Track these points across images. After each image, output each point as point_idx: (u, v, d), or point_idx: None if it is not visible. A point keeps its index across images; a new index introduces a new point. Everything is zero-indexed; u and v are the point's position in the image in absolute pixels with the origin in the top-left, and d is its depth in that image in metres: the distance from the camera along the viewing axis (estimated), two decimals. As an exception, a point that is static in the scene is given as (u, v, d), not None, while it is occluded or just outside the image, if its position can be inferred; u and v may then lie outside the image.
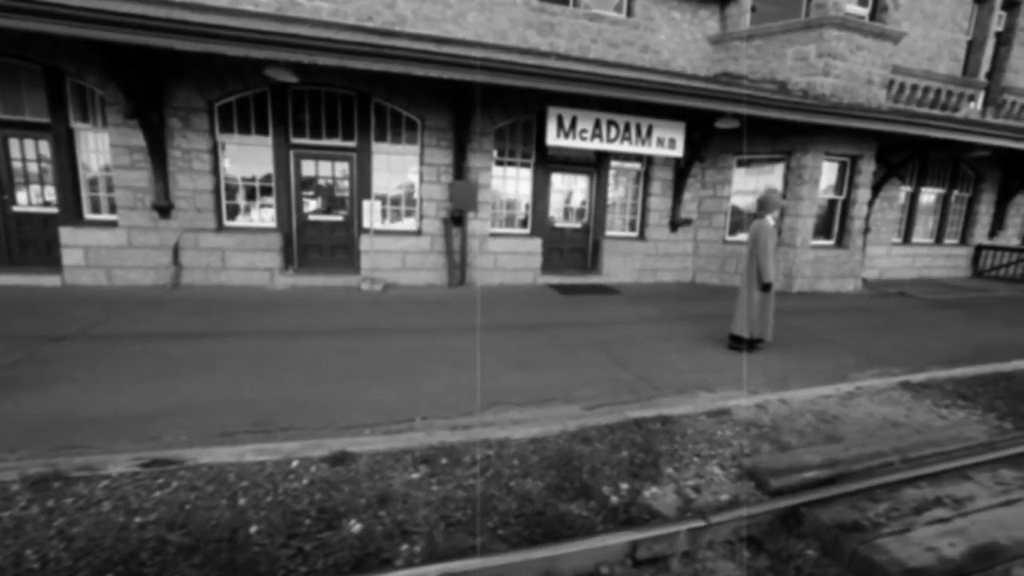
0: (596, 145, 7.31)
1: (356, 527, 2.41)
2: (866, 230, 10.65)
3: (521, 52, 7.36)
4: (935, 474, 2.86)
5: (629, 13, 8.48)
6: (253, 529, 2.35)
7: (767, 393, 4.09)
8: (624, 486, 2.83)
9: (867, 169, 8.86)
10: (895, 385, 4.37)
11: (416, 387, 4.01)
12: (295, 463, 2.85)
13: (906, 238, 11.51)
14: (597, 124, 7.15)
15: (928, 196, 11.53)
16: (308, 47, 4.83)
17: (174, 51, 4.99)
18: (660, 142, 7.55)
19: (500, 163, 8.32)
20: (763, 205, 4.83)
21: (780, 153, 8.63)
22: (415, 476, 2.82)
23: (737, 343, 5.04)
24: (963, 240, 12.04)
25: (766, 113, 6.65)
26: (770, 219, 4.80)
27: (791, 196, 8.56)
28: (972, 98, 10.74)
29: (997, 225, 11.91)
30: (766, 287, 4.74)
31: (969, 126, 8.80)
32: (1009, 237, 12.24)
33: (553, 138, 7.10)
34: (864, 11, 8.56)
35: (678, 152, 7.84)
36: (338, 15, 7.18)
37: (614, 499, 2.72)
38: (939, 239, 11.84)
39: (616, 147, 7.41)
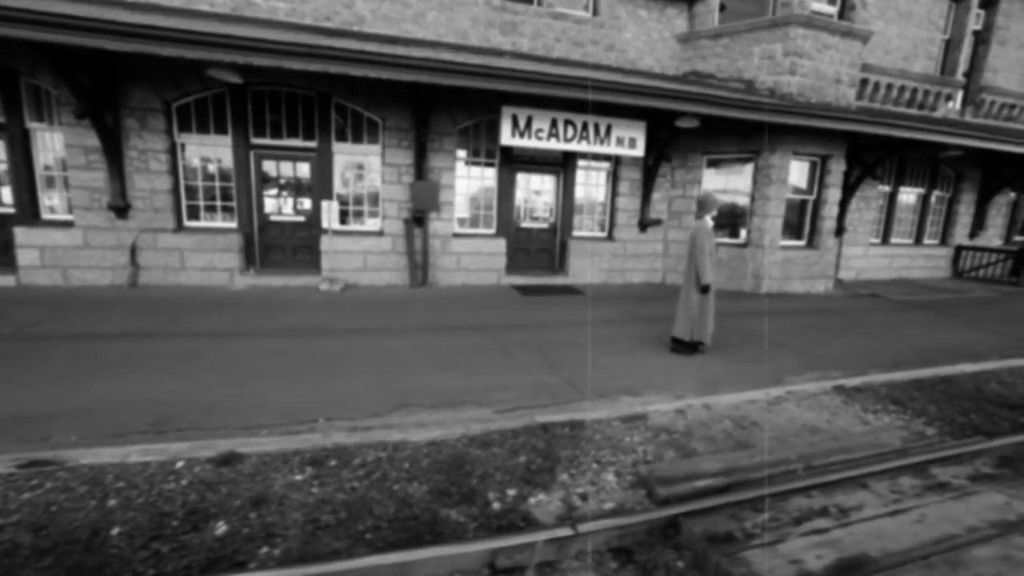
0: (553, 145, 7.25)
1: (222, 529, 2.38)
2: (842, 230, 10.58)
3: (480, 52, 7.32)
4: (832, 482, 2.80)
5: (595, 12, 8.41)
6: (115, 531, 2.32)
7: (693, 398, 4.03)
8: (511, 492, 2.79)
9: (837, 169, 8.76)
10: (829, 389, 4.30)
11: (334, 388, 3.98)
12: (180, 464, 2.83)
13: (885, 238, 11.40)
14: (554, 124, 7.08)
15: (907, 196, 11.42)
16: (243, 48, 4.79)
17: (124, 52, 4.98)
18: (620, 141, 7.48)
19: (466, 163, 8.28)
20: (702, 205, 4.77)
21: (749, 152, 8.55)
22: (299, 478, 2.79)
23: (679, 346, 4.98)
24: (943, 241, 11.92)
25: (724, 112, 6.57)
26: (709, 220, 4.74)
27: (759, 196, 8.49)
28: (950, 97, 10.61)
29: (978, 226, 11.78)
30: (704, 289, 4.68)
31: (939, 126, 8.70)
32: (990, 237, 12.10)
33: (508, 138, 7.04)
34: (833, 9, 8.47)
35: (639, 152, 7.77)
36: (295, 15, 7.16)
37: (496, 505, 2.68)
38: (919, 240, 11.73)
39: (573, 147, 7.35)
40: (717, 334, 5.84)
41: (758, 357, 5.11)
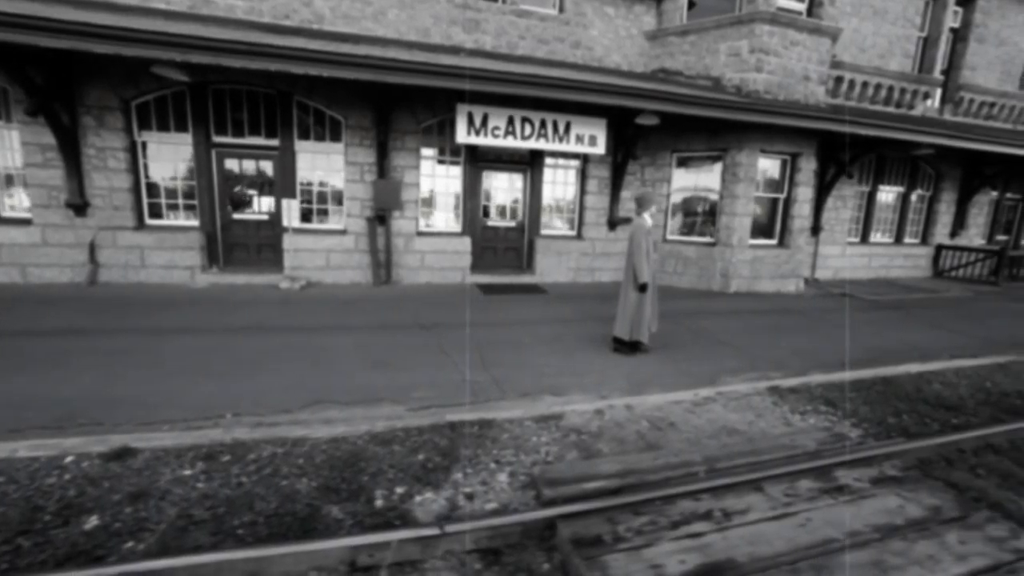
0: (510, 143, 7.19)
1: (92, 524, 2.37)
2: (819, 229, 10.50)
3: (438, 50, 7.28)
4: (726, 486, 2.75)
5: (560, 9, 8.35)
6: (-19, 525, 2.31)
7: (617, 398, 3.98)
8: (399, 490, 2.76)
9: (807, 167, 8.67)
10: (762, 390, 4.24)
11: (254, 385, 3.96)
12: (69, 459, 2.81)
13: (864, 237, 11.29)
14: (511, 121, 7.03)
15: (886, 195, 11.30)
16: (182, 45, 4.77)
17: (58, 50, 4.96)
18: (580, 139, 7.42)
19: (431, 161, 8.24)
20: (639, 202, 4.71)
21: (717, 150, 8.47)
22: (187, 473, 2.78)
23: (620, 345, 4.93)
24: (924, 240, 11.80)
25: (678, 109, 6.50)
26: (647, 217, 4.68)
27: (727, 195, 8.41)
28: (928, 95, 10.49)
29: (958, 225, 11.65)
30: (642, 288, 4.62)
31: (913, 124, 8.59)
32: (972, 236, 11.96)
33: (464, 136, 6.99)
34: (801, 6, 8.37)
35: (600, 149, 7.70)
36: (253, 13, 7.13)
37: (380, 503, 2.65)
38: (899, 239, 11.61)
39: (531, 145, 7.29)
40: (668, 333, 5.83)
41: (701, 357, 5.05)
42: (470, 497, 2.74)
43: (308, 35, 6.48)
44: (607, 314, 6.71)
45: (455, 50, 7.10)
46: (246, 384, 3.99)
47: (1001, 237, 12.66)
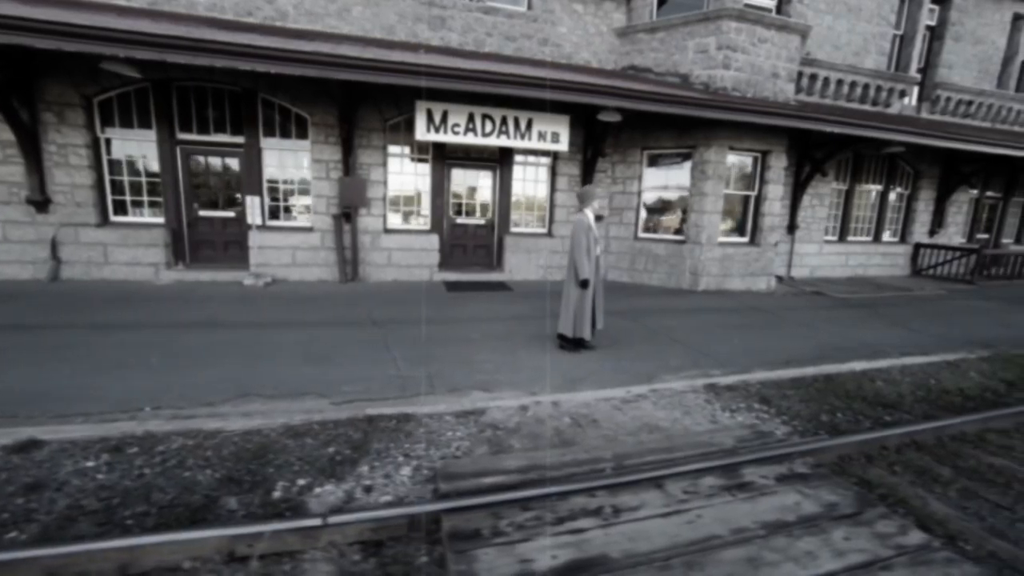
0: (470, 140, 7.17)
1: (-22, 514, 2.37)
2: (795, 227, 10.47)
3: (405, 47, 7.26)
4: (626, 483, 2.73)
5: (528, 6, 8.32)
6: None
7: (547, 395, 3.96)
8: (301, 482, 2.75)
9: (777, 165, 8.63)
10: (699, 388, 4.22)
11: (184, 379, 3.95)
12: (-29, 453, 2.81)
13: (842, 236, 11.25)
14: (471, 118, 7.00)
15: (864, 193, 11.25)
16: (124, 41, 4.76)
17: (12, 45, 4.99)
18: (542, 136, 7.39)
19: (398, 158, 8.22)
20: (581, 199, 4.70)
21: (686, 148, 8.44)
22: (90, 464, 2.78)
23: (564, 342, 4.91)
24: (903, 238, 11.75)
25: (635, 105, 6.45)
26: (589, 213, 4.66)
27: (695, 192, 8.38)
28: (904, 93, 10.44)
29: (937, 223, 11.60)
30: (583, 284, 4.60)
31: (885, 122, 8.54)
32: (951, 235, 11.92)
33: (423, 133, 6.97)
34: (771, 3, 8.33)
35: (562, 146, 7.68)
36: (215, 9, 7.12)
37: (278, 494, 2.65)
38: (877, 237, 11.57)
39: (492, 142, 7.27)
40: (623, 330, 5.84)
41: (648, 355, 5.02)
42: (368, 490, 2.73)
43: (266, 32, 6.46)
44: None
45: (416, 47, 7.07)
46: (177, 378, 3.98)
47: (982, 235, 12.61)
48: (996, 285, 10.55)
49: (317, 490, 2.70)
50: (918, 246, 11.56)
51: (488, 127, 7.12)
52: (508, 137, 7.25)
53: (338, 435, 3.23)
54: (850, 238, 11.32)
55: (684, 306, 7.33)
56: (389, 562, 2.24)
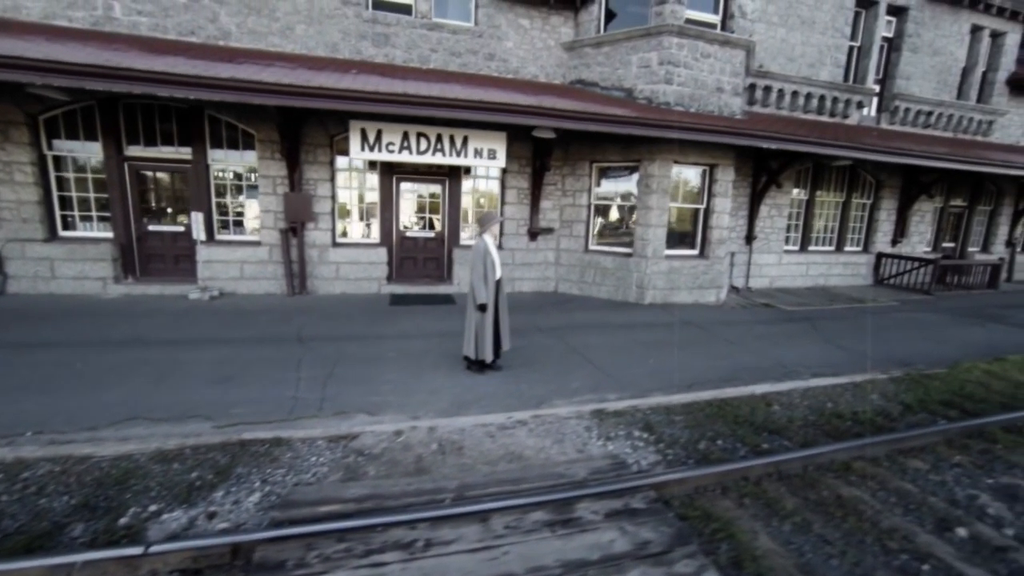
0: (405, 158, 7.26)
1: None
2: (752, 238, 10.50)
3: (347, 65, 7.36)
4: (453, 515, 2.81)
5: (475, 22, 8.41)
6: None
7: (428, 419, 4.05)
8: (152, 508, 2.86)
9: (724, 178, 8.67)
10: (585, 413, 4.28)
11: (80, 400, 4.07)
12: None
13: (803, 245, 11.26)
14: (405, 137, 7.10)
15: (825, 203, 11.25)
16: (41, 69, 4.89)
17: None
18: (478, 153, 7.47)
19: (354, 172, 8.33)
20: (480, 223, 4.78)
21: (632, 161, 8.50)
22: (-55, 493, 2.89)
23: (470, 364, 5.00)
24: (866, 248, 11.74)
25: (559, 124, 6.50)
26: (488, 238, 4.74)
27: (641, 206, 8.43)
28: (861, 104, 10.44)
29: (899, 233, 11.58)
30: (480, 308, 4.69)
31: (828, 134, 8.55)
32: (915, 244, 11.89)
33: (357, 152, 7.07)
34: (716, 18, 8.37)
35: (500, 163, 7.76)
36: (158, 30, 7.26)
37: (124, 520, 2.75)
38: (840, 247, 11.56)
39: (427, 159, 7.36)
40: (541, 349, 5.92)
41: (551, 377, 5.08)
42: (211, 516, 2.83)
43: (198, 54, 6.58)
44: (499, 327, 6.79)
45: (348, 67, 7.16)
46: (74, 400, 4.09)
47: (948, 244, 12.57)
48: (953, 296, 10.54)
49: (164, 516, 2.80)
50: (880, 256, 11.55)
51: (423, 145, 7.22)
52: (444, 155, 7.34)
53: (206, 460, 3.33)
54: (812, 248, 11.32)
55: (620, 321, 7.39)
56: (195, 593, 2.34)
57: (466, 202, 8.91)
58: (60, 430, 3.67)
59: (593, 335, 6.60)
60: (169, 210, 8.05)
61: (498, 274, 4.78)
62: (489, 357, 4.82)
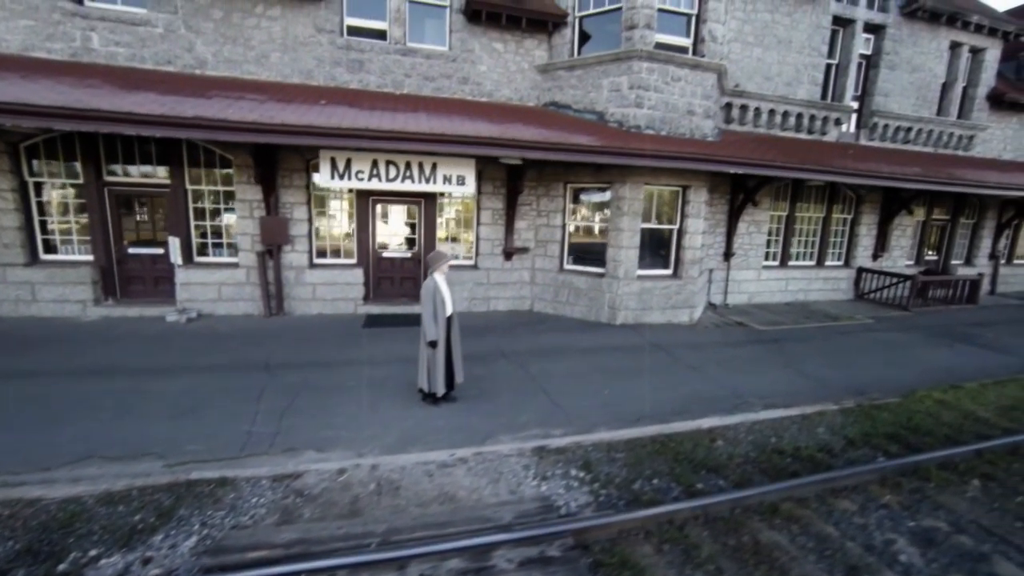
0: (375, 185, 7.41)
1: None
2: (730, 254, 10.57)
3: (305, 96, 7.50)
4: (371, 562, 2.94)
5: (448, 46, 8.53)
6: None
7: (373, 456, 4.18)
8: (92, 553, 3.00)
9: (697, 200, 8.75)
10: (527, 451, 4.38)
11: (39, 437, 4.21)
12: None
13: (783, 261, 11.31)
14: (375, 164, 7.25)
15: (806, 218, 11.30)
16: (11, 112, 5.07)
17: None
18: (447, 180, 7.61)
19: (323, 194, 8.48)
20: (429, 263, 4.91)
21: (603, 183, 8.60)
22: None
23: (425, 395, 5.13)
24: (847, 262, 11.78)
25: (524, 154, 6.62)
26: (438, 277, 4.87)
27: (613, 228, 8.53)
28: (840, 121, 10.49)
29: (880, 247, 11.61)
30: (431, 344, 4.82)
31: (796, 156, 8.62)
32: (896, 258, 11.92)
33: (327, 180, 7.23)
34: (687, 42, 8.44)
35: (469, 189, 7.89)
36: (135, 59, 7.43)
37: (63, 566, 2.88)
38: (820, 261, 11.61)
39: (396, 187, 7.50)
40: (502, 377, 6.07)
41: (504, 408, 5.18)
42: (146, 562, 2.96)
43: (170, 88, 6.74)
44: (470, 351, 6.85)
45: (318, 96, 7.30)
46: (34, 437, 4.24)
47: (931, 256, 12.58)
48: (931, 312, 10.56)
49: (103, 562, 2.94)
50: (861, 270, 11.58)
51: (392, 172, 7.36)
52: (413, 182, 7.48)
53: (151, 501, 3.48)
54: (792, 263, 11.38)
55: (587, 344, 7.49)
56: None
57: (442, 222, 9.04)
58: (15, 471, 3.81)
59: (556, 361, 6.71)
60: (149, 233, 8.24)
61: (449, 310, 4.91)
62: (441, 390, 4.95)
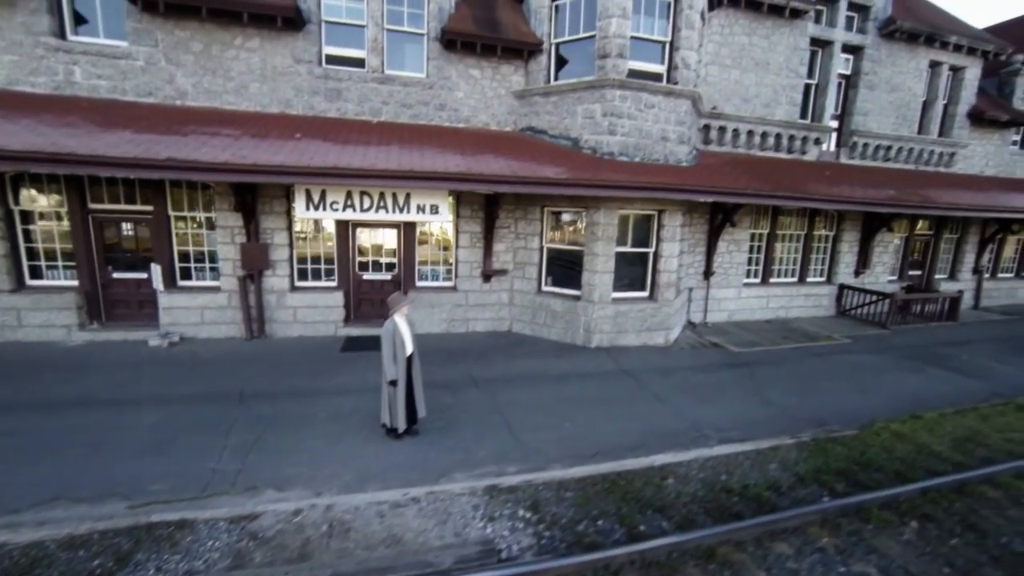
0: (349, 215, 7.57)
1: None
2: (710, 273, 10.67)
3: (282, 130, 7.67)
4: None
5: (426, 74, 8.67)
6: None
7: (329, 495, 4.33)
8: None
9: (671, 224, 8.85)
10: (479, 490, 4.52)
11: (8, 478, 4.35)
12: None
13: (764, 278, 11.40)
14: (349, 195, 7.40)
15: (787, 236, 11.38)
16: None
17: None
18: (421, 209, 7.75)
19: (311, 219, 8.64)
20: (389, 305, 5.05)
21: (579, 208, 8.72)
22: None
23: (387, 430, 5.28)
24: (829, 279, 11.85)
25: (493, 189, 6.78)
26: (398, 318, 5.02)
27: (588, 252, 8.65)
28: (819, 140, 10.56)
29: (862, 263, 11.68)
30: (391, 383, 4.97)
31: (755, 187, 8.71)
32: (879, 274, 11.98)
33: (303, 211, 7.39)
34: (662, 68, 8.55)
35: (442, 218, 8.03)
36: (116, 92, 7.62)
37: None
38: (803, 278, 11.69)
39: (371, 216, 7.65)
40: (469, 407, 6.20)
41: (463, 443, 5.31)
42: None
43: (146, 126, 6.91)
44: (441, 378, 7.03)
45: (296, 128, 7.46)
46: (3, 478, 4.42)
47: (914, 272, 12.63)
48: (910, 330, 10.63)
49: None
50: (842, 287, 11.66)
51: (367, 203, 7.51)
52: (387, 212, 7.63)
53: (111, 545, 3.64)
54: (773, 280, 11.46)
55: (559, 371, 7.61)
56: None
57: (421, 245, 9.20)
58: (-8, 515, 3.99)
59: (525, 390, 6.83)
60: (133, 258, 8.43)
61: (408, 350, 5.06)
62: (402, 426, 5.10)
